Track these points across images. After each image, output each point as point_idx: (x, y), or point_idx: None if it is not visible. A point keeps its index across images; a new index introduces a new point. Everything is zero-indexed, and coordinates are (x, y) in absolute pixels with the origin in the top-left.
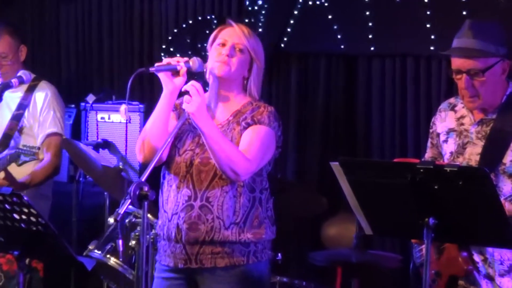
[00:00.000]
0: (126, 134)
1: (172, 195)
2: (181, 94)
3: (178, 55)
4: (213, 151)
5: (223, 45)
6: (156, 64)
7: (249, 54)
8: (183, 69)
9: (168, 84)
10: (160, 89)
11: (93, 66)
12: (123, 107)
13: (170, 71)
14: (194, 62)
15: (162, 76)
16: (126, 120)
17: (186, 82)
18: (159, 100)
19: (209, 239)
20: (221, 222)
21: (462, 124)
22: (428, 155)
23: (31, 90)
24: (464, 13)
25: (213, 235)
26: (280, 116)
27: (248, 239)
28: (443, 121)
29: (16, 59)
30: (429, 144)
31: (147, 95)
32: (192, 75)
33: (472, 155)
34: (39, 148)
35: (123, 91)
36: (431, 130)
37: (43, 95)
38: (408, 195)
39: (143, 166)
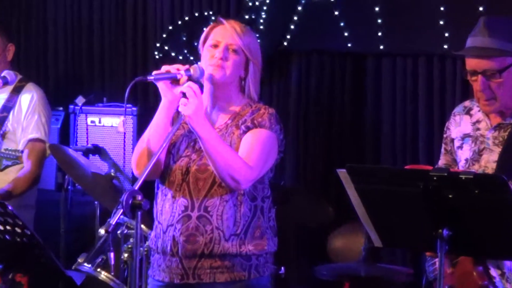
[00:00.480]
0: (124, 146)
1: (167, 205)
2: None
3: (173, 54)
4: (212, 157)
5: (216, 46)
6: (154, 72)
7: (244, 54)
8: (183, 78)
9: (167, 94)
10: (154, 91)
11: (82, 66)
12: (120, 119)
13: (169, 80)
14: (195, 70)
15: (161, 85)
16: (124, 132)
17: None
18: (157, 110)
19: (208, 252)
20: (220, 233)
21: (478, 129)
22: (442, 162)
23: (17, 91)
24: (481, 9)
25: (212, 248)
26: (282, 119)
27: (250, 251)
28: (458, 125)
29: (3, 59)
30: (442, 150)
31: (140, 97)
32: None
33: (489, 163)
34: (22, 151)
35: (115, 92)
36: (445, 135)
37: (29, 98)
38: (421, 205)
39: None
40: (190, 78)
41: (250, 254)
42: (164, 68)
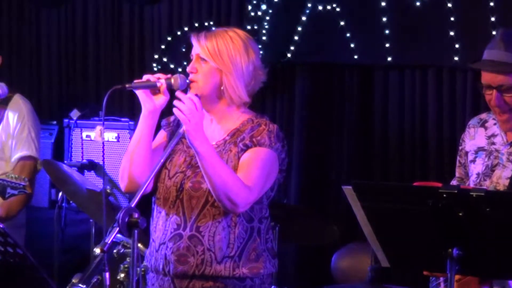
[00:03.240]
0: (103, 157)
1: (161, 223)
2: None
3: (172, 66)
4: (209, 176)
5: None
6: (134, 81)
7: (211, 60)
8: (163, 86)
9: (147, 103)
10: None
11: (77, 79)
12: (98, 128)
13: (149, 89)
14: (176, 79)
15: (140, 94)
16: (103, 142)
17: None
18: (138, 122)
19: (199, 273)
20: (212, 255)
21: (493, 143)
22: (456, 174)
23: (4, 104)
24: (493, 19)
25: (203, 269)
26: (286, 133)
27: (244, 274)
28: (472, 138)
29: None
30: (457, 162)
31: (137, 111)
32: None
33: (501, 179)
34: (28, 180)
35: (112, 106)
36: (460, 147)
37: (17, 112)
38: (430, 223)
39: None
40: (170, 87)
41: (244, 277)
42: (145, 77)
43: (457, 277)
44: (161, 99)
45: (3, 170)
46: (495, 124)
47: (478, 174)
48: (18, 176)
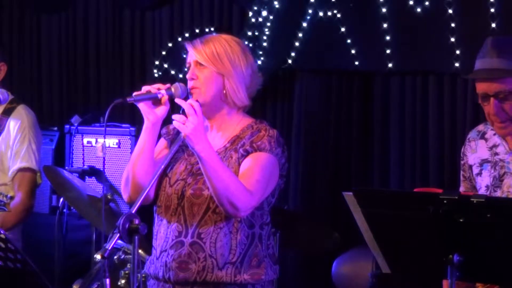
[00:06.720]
0: (104, 168)
1: (162, 230)
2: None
3: (173, 72)
4: (211, 179)
5: (189, 68)
6: (134, 94)
7: (212, 64)
8: (164, 97)
9: (149, 115)
10: None
11: (78, 85)
12: (99, 144)
13: (151, 100)
14: (177, 88)
15: (142, 106)
16: (104, 157)
17: (171, 110)
18: (141, 133)
19: (201, 280)
20: (214, 261)
21: (497, 153)
22: (462, 189)
23: (6, 114)
24: (493, 25)
25: (205, 276)
26: (286, 140)
27: (245, 280)
28: (474, 152)
29: None
30: (461, 177)
31: (138, 117)
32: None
33: (511, 187)
34: (11, 198)
35: (112, 112)
36: (462, 162)
37: (18, 123)
38: (430, 229)
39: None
40: (171, 97)
41: (245, 283)
42: (145, 88)
43: (480, 286)
44: (162, 110)
45: (2, 181)
46: (494, 134)
47: (487, 186)
48: (1, 193)
